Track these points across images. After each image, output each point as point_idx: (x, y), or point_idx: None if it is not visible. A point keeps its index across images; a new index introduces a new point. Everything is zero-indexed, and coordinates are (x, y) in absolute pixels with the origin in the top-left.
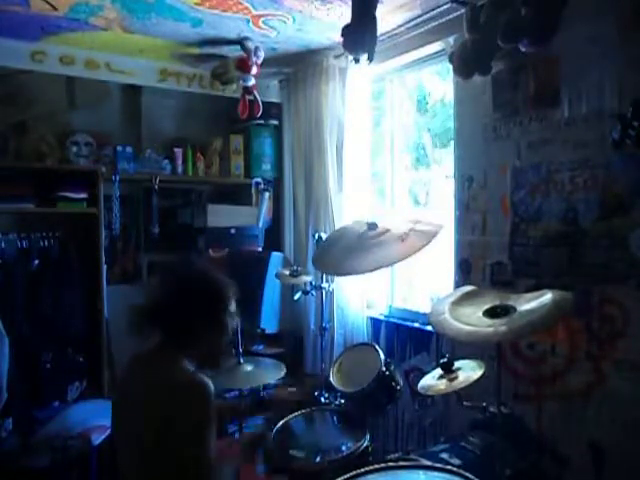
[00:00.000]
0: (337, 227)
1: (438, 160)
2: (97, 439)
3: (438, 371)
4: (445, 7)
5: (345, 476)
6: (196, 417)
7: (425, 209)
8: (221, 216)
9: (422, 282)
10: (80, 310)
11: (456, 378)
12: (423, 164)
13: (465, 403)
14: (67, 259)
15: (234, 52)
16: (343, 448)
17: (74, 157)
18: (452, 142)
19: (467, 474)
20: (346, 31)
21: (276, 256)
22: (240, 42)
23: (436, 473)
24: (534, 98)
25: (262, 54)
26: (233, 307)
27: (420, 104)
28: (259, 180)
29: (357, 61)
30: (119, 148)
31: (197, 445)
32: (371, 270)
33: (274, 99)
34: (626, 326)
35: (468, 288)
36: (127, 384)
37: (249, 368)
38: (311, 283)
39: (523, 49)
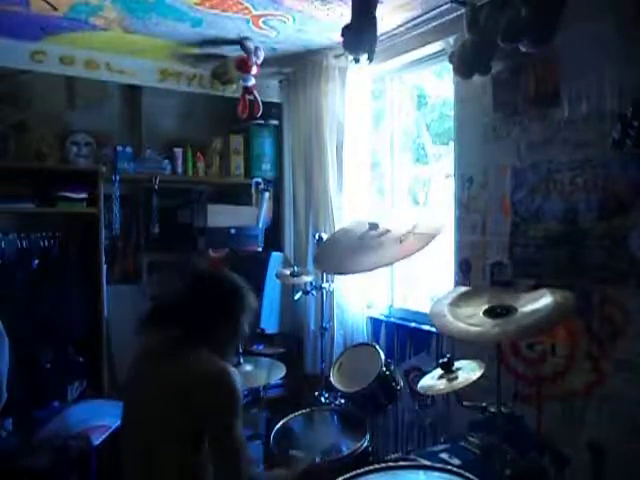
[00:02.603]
0: (337, 227)
1: (437, 156)
2: (97, 439)
3: (438, 371)
4: (445, 7)
5: (345, 476)
6: (225, 403)
7: (425, 209)
8: (221, 216)
9: (422, 282)
10: (80, 310)
11: (456, 378)
12: (423, 163)
13: (465, 403)
14: (67, 259)
15: (234, 52)
16: (343, 448)
17: (74, 157)
18: (451, 141)
19: (467, 474)
20: (346, 31)
21: (276, 256)
22: (240, 42)
23: (436, 473)
24: (534, 98)
25: (262, 54)
26: (252, 308)
27: (420, 103)
28: (259, 180)
29: (357, 61)
30: (119, 148)
31: (225, 430)
32: (370, 269)
33: (274, 99)
34: (626, 326)
35: (463, 289)
36: (142, 376)
37: (249, 368)
38: (311, 283)
39: (523, 49)
